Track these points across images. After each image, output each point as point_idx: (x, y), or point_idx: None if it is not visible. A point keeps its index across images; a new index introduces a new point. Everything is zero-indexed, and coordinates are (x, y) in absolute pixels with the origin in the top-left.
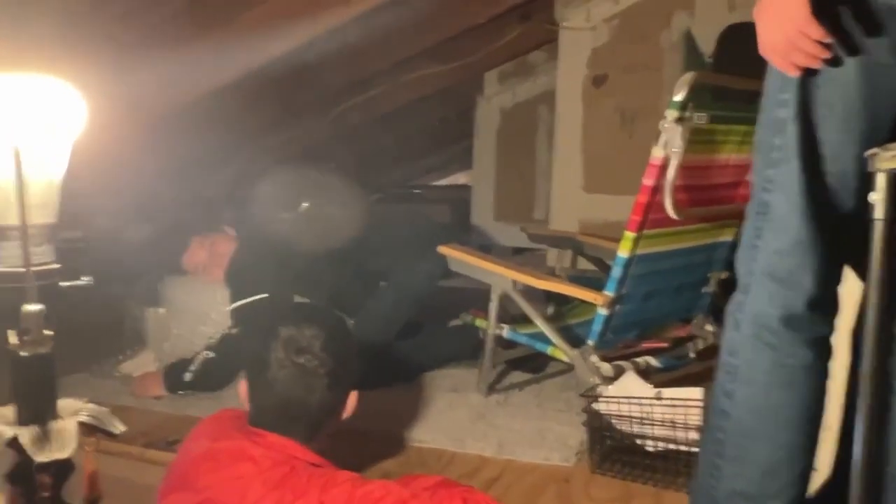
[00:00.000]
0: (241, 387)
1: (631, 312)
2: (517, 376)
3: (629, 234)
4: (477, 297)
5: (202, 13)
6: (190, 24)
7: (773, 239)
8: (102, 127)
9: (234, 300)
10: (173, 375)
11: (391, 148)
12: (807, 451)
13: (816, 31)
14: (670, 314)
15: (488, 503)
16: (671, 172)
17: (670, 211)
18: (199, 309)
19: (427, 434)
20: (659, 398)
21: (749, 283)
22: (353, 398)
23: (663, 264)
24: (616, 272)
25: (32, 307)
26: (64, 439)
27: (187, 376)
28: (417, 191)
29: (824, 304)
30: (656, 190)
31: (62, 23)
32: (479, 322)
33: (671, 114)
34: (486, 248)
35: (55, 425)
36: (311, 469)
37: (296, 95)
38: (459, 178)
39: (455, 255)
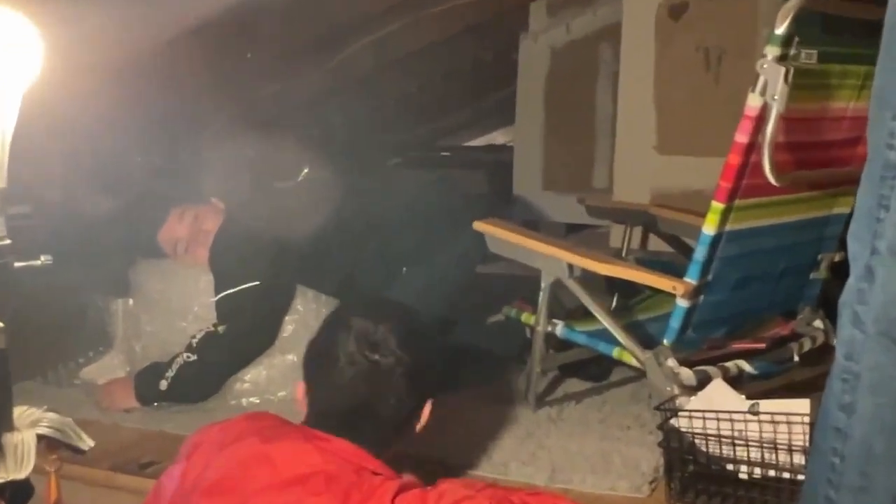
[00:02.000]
0: (299, 389)
1: (718, 304)
2: (573, 385)
3: (717, 206)
4: (522, 285)
5: None
6: None
7: None
8: (53, 74)
9: (219, 289)
10: (146, 383)
11: (413, 100)
12: None
13: None
14: (769, 307)
15: None
16: (771, 126)
17: (770, 175)
18: (178, 300)
19: (461, 457)
20: (755, 412)
21: (873, 266)
22: (427, 408)
23: (760, 243)
24: (700, 253)
25: None
26: (21, 456)
27: (163, 384)
28: (446, 153)
29: None
30: (752, 148)
31: None
32: (525, 317)
33: (771, 51)
34: (533, 223)
35: (10, 438)
36: (379, 477)
37: (292, 35)
38: (498, 137)
39: (495, 233)
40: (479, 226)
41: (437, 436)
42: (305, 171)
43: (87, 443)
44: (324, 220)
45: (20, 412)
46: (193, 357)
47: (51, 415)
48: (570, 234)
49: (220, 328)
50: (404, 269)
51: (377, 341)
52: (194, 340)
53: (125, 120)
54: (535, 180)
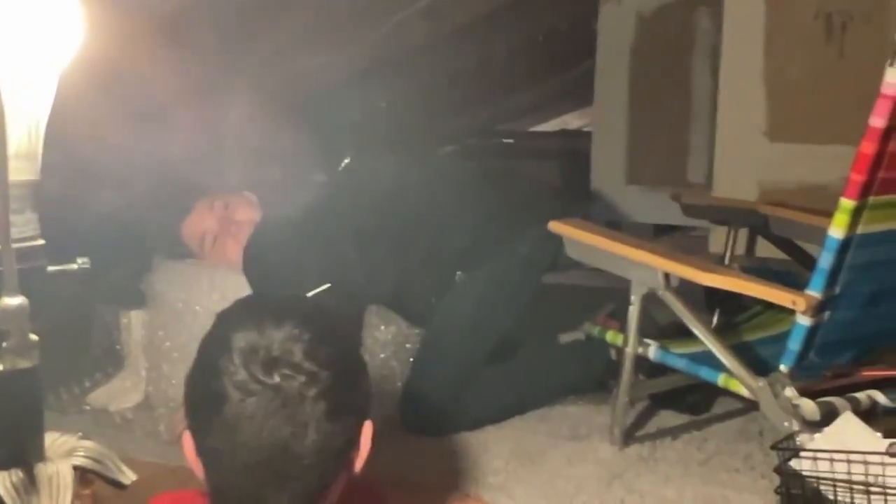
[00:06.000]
0: (186, 442)
1: (847, 323)
2: (669, 418)
3: (847, 203)
4: (604, 298)
5: None
6: None
7: None
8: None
9: None
10: None
11: (472, 77)
12: None
13: None
14: None
15: None
16: None
17: None
18: (204, 309)
19: (533, 501)
20: (893, 453)
21: None
22: (367, 433)
23: None
24: (825, 261)
25: (12, 300)
26: (56, 489)
27: None
28: (509, 140)
29: None
30: (890, 134)
31: None
32: (611, 336)
33: None
34: (615, 224)
35: (44, 470)
36: None
37: (329, 1)
38: (571, 121)
39: (576, 235)
40: (555, 227)
41: (501, 475)
42: (346, 161)
43: (129, 476)
44: (365, 218)
45: (52, 440)
46: None
47: (87, 443)
48: (659, 236)
49: None
50: (458, 273)
51: (274, 357)
52: None
53: (131, 103)
54: (617, 173)
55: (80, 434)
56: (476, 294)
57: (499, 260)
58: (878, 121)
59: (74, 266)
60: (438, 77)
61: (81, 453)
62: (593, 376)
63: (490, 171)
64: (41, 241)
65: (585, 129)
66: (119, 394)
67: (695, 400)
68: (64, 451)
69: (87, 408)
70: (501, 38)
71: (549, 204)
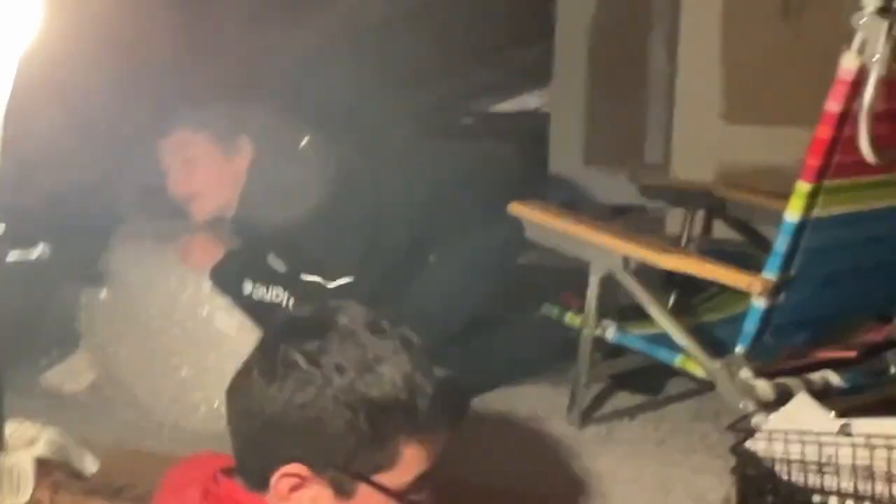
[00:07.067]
0: None
1: (802, 305)
2: (626, 399)
3: (803, 187)
4: (564, 279)
5: None
6: None
7: None
8: None
9: None
10: None
11: (429, 55)
12: None
13: None
14: (861, 308)
15: None
16: (869, 92)
17: (867, 151)
18: (163, 292)
19: (492, 481)
20: (846, 433)
21: None
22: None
23: (853, 233)
24: (781, 244)
25: None
26: (17, 481)
27: None
28: (468, 120)
29: None
30: (846, 119)
31: None
32: (569, 317)
33: (871, 1)
34: (572, 205)
35: (4, 461)
36: None
37: None
38: (530, 102)
39: (534, 217)
40: (515, 209)
41: (460, 454)
42: (305, 139)
43: (91, 465)
44: (334, 198)
45: (13, 429)
46: None
47: (49, 432)
48: (616, 217)
49: None
50: (430, 256)
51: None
52: None
53: (87, 81)
54: (574, 153)
55: (42, 420)
56: (449, 278)
57: (474, 243)
58: (833, 105)
59: (33, 257)
60: (395, 56)
61: (42, 443)
62: (551, 356)
63: (451, 153)
64: (0, 225)
65: (544, 110)
66: (73, 374)
67: (651, 381)
68: (25, 441)
69: (41, 389)
70: (459, 16)
71: (513, 186)
